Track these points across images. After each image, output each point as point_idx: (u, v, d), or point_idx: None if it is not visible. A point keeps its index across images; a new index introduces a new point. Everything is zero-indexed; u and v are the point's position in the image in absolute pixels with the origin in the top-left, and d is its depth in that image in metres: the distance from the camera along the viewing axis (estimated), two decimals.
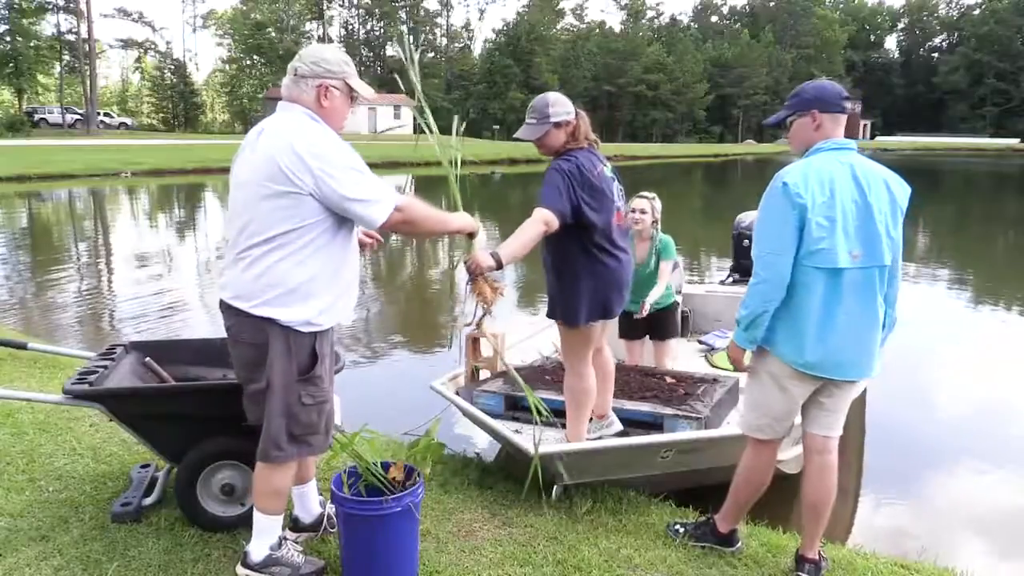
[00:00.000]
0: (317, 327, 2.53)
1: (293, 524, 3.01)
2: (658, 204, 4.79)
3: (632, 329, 4.89)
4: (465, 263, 2.99)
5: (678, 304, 5.75)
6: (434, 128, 3.10)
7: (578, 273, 3.28)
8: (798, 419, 2.87)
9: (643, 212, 4.68)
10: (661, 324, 4.92)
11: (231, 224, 2.58)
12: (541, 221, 3.06)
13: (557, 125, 3.26)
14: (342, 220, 2.52)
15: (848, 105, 2.72)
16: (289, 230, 2.44)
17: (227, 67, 75.43)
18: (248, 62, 71.98)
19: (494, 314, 3.11)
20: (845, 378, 2.72)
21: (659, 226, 4.78)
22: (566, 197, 3.11)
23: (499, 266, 2.99)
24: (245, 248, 2.49)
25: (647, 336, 4.97)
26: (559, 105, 3.26)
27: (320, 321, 2.53)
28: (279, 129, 2.51)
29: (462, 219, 2.86)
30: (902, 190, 2.72)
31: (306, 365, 2.53)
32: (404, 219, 2.53)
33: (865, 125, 79.89)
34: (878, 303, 2.67)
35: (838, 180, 2.61)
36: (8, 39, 47.90)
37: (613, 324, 3.67)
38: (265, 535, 2.66)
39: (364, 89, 2.65)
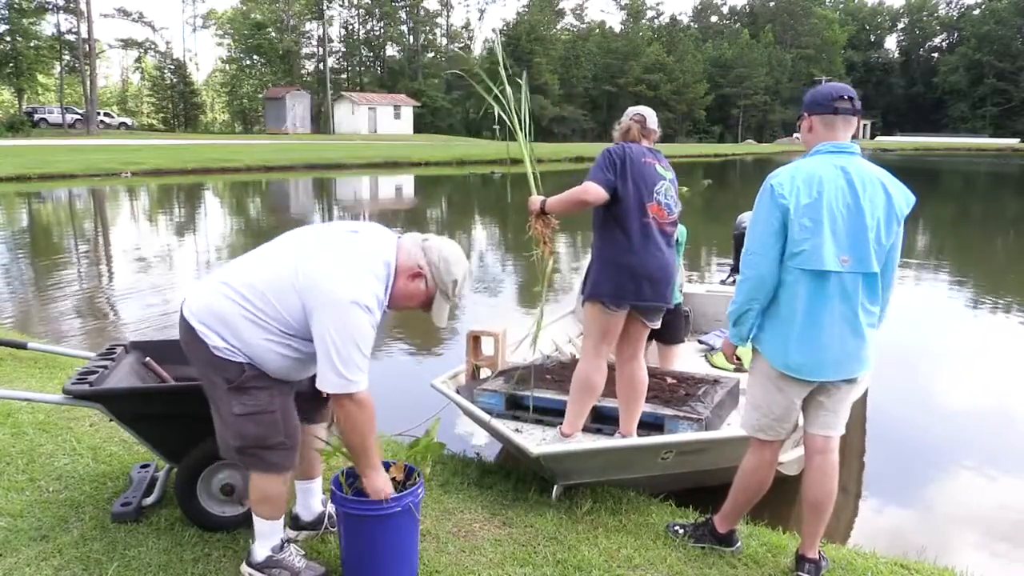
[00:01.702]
0: (231, 357, 2.48)
1: (293, 521, 3.01)
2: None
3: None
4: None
5: (688, 314, 5.78)
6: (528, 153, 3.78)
7: (601, 248, 3.52)
8: (800, 421, 2.87)
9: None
10: (667, 325, 4.89)
11: (250, 258, 2.58)
12: (583, 189, 3.44)
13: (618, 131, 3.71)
14: (300, 341, 2.46)
15: (841, 107, 2.66)
16: (276, 317, 2.43)
17: (227, 67, 75.39)
18: (248, 62, 71.94)
19: (548, 242, 3.72)
20: (830, 379, 2.70)
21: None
22: (610, 172, 3.42)
23: (542, 210, 3.60)
24: (240, 292, 2.46)
25: (653, 339, 4.95)
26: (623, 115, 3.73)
27: (232, 354, 2.47)
28: (360, 255, 2.46)
29: (380, 480, 2.56)
30: (903, 197, 2.67)
31: (232, 377, 2.48)
32: (348, 411, 2.41)
33: (865, 125, 79.85)
34: (860, 308, 2.64)
35: (827, 182, 2.59)
36: (8, 39, 47.86)
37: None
38: (266, 538, 2.66)
39: (437, 312, 2.59)
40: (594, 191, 3.40)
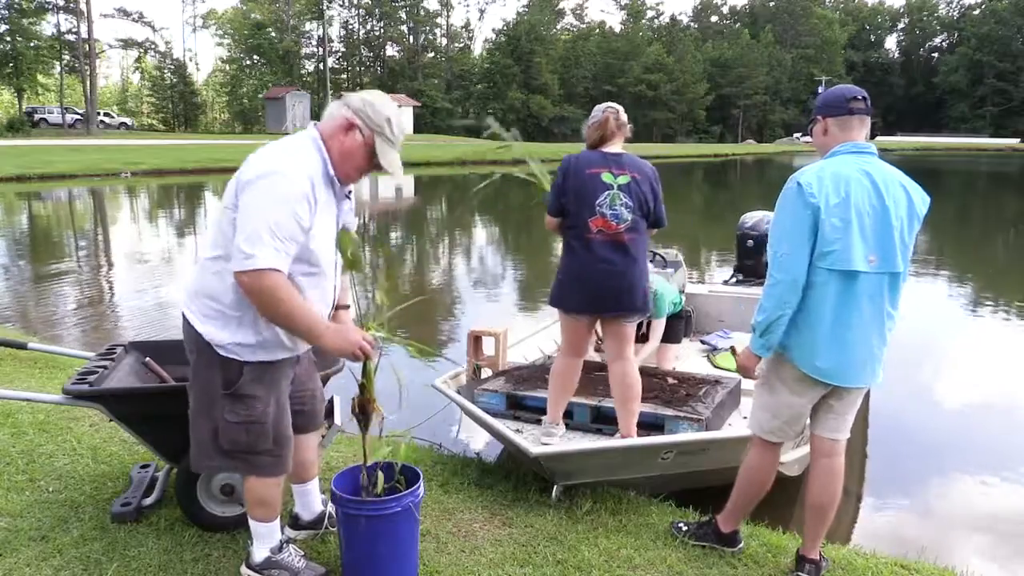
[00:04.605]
0: (235, 356, 2.43)
1: (293, 521, 3.01)
2: (652, 271, 4.83)
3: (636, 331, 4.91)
4: None
5: (690, 314, 5.79)
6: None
7: (561, 257, 3.64)
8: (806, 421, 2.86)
9: None
10: (667, 329, 4.92)
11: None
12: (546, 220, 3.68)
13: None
14: (296, 262, 2.34)
15: (856, 107, 2.65)
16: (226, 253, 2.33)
17: (227, 67, 75.40)
18: (248, 62, 71.94)
19: None
20: (855, 385, 2.69)
21: (653, 284, 4.79)
22: (555, 194, 3.56)
23: None
24: (203, 258, 2.46)
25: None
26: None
27: (238, 352, 2.42)
28: (273, 144, 2.42)
29: (339, 337, 2.39)
30: (921, 198, 2.68)
31: (231, 380, 2.43)
32: (248, 288, 2.25)
33: None
34: (885, 310, 2.64)
35: (854, 183, 2.57)
36: (8, 39, 47.86)
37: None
38: (264, 539, 2.65)
39: (387, 160, 2.43)
40: (548, 223, 3.65)
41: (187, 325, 2.50)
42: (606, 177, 3.47)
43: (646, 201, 3.51)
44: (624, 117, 3.60)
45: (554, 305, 3.67)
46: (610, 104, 3.64)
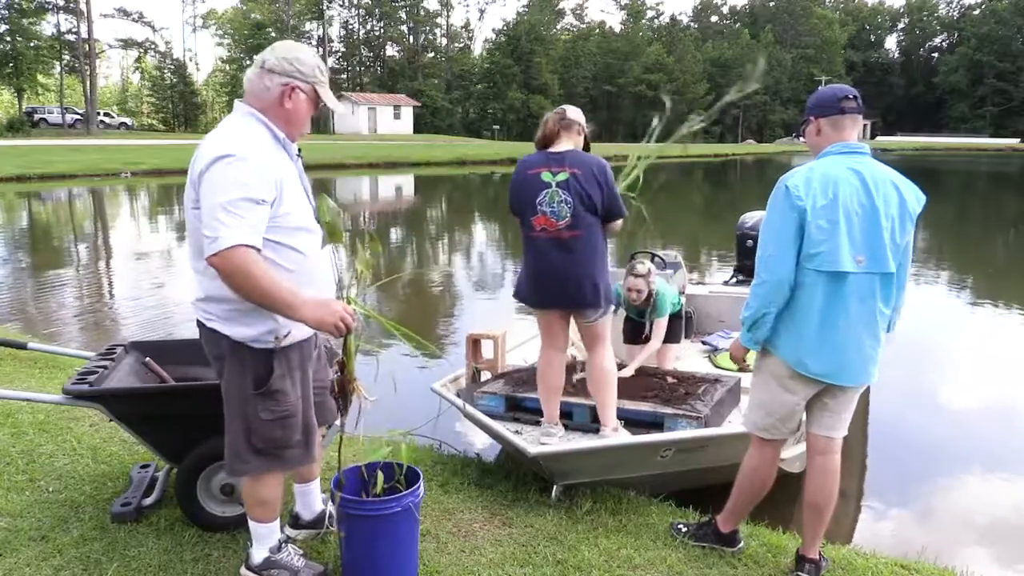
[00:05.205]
0: (265, 344, 2.43)
1: (294, 520, 3.01)
2: (654, 273, 4.84)
3: (635, 333, 4.92)
4: None
5: (691, 315, 5.77)
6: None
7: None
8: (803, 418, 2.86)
9: (639, 291, 4.73)
10: (667, 330, 4.93)
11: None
12: None
13: None
14: (288, 236, 2.38)
15: (848, 107, 2.67)
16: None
17: (227, 67, 75.38)
18: (248, 62, 71.69)
19: None
20: (844, 384, 2.69)
21: (654, 285, 4.79)
22: (509, 195, 3.68)
23: None
24: (194, 267, 2.45)
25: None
26: None
27: (268, 339, 2.42)
28: (212, 135, 2.40)
29: (320, 309, 2.32)
30: (915, 197, 2.67)
31: (262, 378, 2.43)
32: (224, 272, 2.22)
33: (865, 125, 79.58)
34: (877, 310, 2.64)
35: (842, 183, 2.57)
36: (8, 39, 47.87)
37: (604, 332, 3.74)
38: (263, 540, 2.65)
39: (332, 101, 2.52)
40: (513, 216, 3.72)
41: (211, 333, 2.46)
42: (545, 176, 3.52)
43: (588, 196, 3.46)
44: (573, 116, 3.61)
45: (514, 294, 3.81)
46: (560, 107, 3.71)
